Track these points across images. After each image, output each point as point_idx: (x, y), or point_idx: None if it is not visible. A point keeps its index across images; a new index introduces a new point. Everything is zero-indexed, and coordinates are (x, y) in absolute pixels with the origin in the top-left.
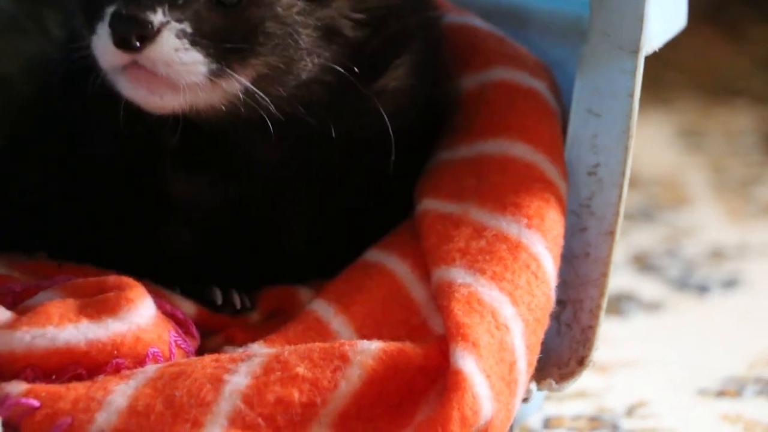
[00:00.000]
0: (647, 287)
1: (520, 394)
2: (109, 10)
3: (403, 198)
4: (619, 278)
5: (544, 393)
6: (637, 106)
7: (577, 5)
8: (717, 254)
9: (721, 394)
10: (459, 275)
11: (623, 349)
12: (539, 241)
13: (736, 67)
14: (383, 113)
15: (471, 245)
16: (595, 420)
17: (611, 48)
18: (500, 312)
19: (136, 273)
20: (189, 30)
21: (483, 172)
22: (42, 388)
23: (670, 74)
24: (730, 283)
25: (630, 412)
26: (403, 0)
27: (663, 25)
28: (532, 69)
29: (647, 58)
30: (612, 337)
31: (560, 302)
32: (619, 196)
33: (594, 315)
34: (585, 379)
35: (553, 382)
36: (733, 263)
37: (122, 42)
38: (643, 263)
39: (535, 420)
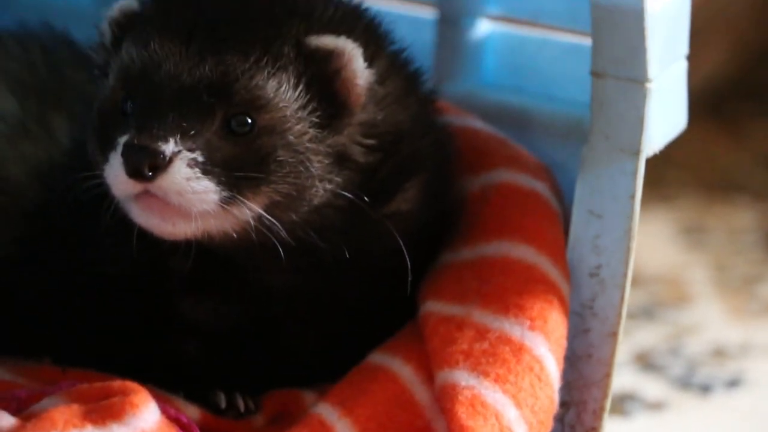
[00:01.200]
0: (650, 387)
1: None
2: (122, 139)
3: (408, 300)
4: (622, 378)
5: None
6: (638, 208)
7: (577, 107)
8: (720, 353)
9: None
10: (462, 377)
11: None
12: (542, 344)
13: (738, 163)
14: (396, 235)
15: (474, 347)
16: None
17: (612, 150)
18: (504, 414)
19: (140, 378)
20: (201, 159)
21: (485, 274)
22: None
23: (671, 171)
24: (733, 383)
25: None
26: (413, 124)
27: (663, 127)
28: (533, 170)
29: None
30: None
31: (564, 404)
32: (622, 298)
33: (597, 416)
34: None
35: None
36: (736, 362)
37: (135, 172)
38: (645, 362)
39: None
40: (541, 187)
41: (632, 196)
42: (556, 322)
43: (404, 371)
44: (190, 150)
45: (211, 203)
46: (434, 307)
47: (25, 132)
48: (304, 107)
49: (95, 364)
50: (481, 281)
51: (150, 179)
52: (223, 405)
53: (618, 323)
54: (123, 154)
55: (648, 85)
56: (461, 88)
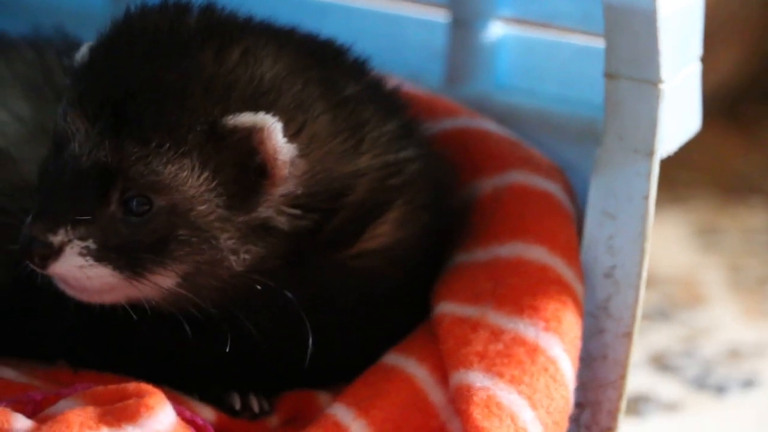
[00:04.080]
0: (665, 388)
1: None
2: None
3: (420, 300)
4: (637, 379)
5: None
6: (652, 208)
7: (591, 109)
8: (735, 354)
9: None
10: (477, 379)
11: None
12: (557, 344)
13: (751, 165)
14: (364, 273)
15: (489, 348)
16: None
17: (626, 151)
18: (519, 416)
19: (154, 379)
20: (93, 246)
21: (499, 275)
22: None
23: (685, 173)
24: (748, 383)
25: None
26: (370, 171)
27: (677, 128)
28: (545, 171)
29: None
30: None
31: (579, 405)
32: (636, 298)
33: (613, 417)
34: None
35: None
36: (751, 362)
37: (26, 259)
38: (660, 363)
39: None
40: (554, 188)
41: (646, 197)
42: (571, 322)
43: (419, 372)
44: (82, 238)
45: (112, 283)
46: (448, 308)
47: (44, 133)
48: (210, 189)
49: (110, 367)
50: (495, 282)
51: (42, 267)
52: (238, 406)
53: (633, 324)
54: (20, 242)
55: (661, 86)
56: (474, 91)
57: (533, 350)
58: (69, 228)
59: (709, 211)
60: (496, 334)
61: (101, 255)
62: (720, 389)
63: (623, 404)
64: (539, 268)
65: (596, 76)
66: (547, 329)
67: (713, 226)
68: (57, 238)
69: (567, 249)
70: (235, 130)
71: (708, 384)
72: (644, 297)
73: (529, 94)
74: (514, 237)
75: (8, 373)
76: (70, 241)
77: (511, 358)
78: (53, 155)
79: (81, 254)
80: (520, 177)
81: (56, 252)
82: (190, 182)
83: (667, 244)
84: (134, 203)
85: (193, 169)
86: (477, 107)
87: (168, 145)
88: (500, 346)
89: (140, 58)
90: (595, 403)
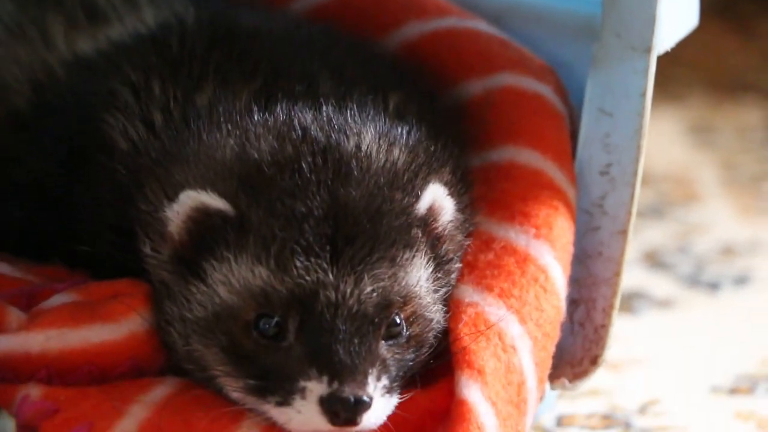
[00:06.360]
0: (659, 285)
1: (531, 411)
2: (311, 386)
3: None
4: (631, 276)
5: (557, 392)
6: (649, 105)
7: (588, 5)
8: (728, 251)
9: (734, 391)
10: (467, 293)
11: (635, 347)
12: (548, 252)
13: (746, 62)
14: None
15: (479, 258)
16: (607, 418)
17: (623, 48)
18: (507, 332)
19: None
20: (387, 383)
21: (492, 180)
22: (61, 392)
23: (680, 70)
24: (741, 280)
25: (642, 409)
26: None
27: (674, 25)
28: (537, 73)
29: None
30: (624, 335)
31: (573, 301)
32: (632, 195)
33: (607, 314)
34: (598, 378)
35: (567, 381)
36: (744, 260)
37: (346, 422)
38: (654, 260)
39: (548, 418)
40: (545, 90)
41: (643, 94)
42: (562, 228)
43: None
44: (379, 378)
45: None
46: None
47: (21, 35)
48: (429, 277)
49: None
50: (487, 187)
51: (357, 423)
52: None
53: (628, 221)
54: (328, 407)
55: None
56: None
57: (523, 260)
58: (372, 374)
59: (703, 108)
60: (487, 242)
61: (393, 386)
62: (713, 286)
63: (617, 301)
64: (531, 172)
65: None
66: (537, 236)
67: (707, 123)
68: (371, 390)
69: (559, 152)
70: (428, 211)
71: (701, 281)
72: (638, 195)
73: None
74: (506, 141)
75: (4, 268)
76: (376, 387)
77: (501, 269)
78: (297, 311)
79: (384, 395)
80: (511, 79)
81: (370, 405)
82: (424, 279)
83: (661, 142)
84: (394, 327)
85: (423, 265)
86: (475, 2)
87: (406, 252)
88: (491, 256)
89: (325, 182)
90: (590, 300)
